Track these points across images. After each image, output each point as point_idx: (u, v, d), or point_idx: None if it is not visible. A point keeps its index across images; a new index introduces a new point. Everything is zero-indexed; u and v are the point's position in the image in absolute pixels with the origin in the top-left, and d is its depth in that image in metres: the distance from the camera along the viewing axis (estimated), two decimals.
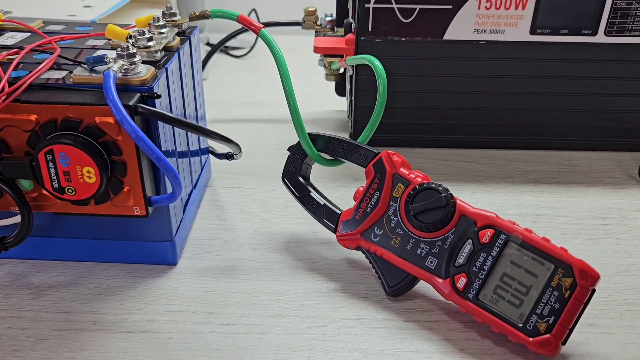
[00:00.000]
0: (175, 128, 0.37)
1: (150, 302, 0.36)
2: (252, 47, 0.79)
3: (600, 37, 0.49)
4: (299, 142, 0.40)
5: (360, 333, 0.34)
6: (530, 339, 0.31)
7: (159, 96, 0.33)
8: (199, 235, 0.42)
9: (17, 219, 0.35)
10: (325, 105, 0.63)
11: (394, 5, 0.48)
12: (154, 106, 0.33)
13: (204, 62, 0.62)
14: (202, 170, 0.47)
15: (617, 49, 0.49)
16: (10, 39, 0.40)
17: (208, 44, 0.78)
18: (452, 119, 0.53)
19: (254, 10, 0.81)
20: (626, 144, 0.54)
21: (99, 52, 0.37)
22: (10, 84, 0.31)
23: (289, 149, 0.41)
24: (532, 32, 0.49)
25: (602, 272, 0.37)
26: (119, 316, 0.35)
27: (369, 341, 0.33)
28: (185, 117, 0.41)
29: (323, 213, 0.39)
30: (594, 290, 0.31)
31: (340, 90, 0.60)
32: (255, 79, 0.71)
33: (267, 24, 0.61)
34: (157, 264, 0.39)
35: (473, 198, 0.47)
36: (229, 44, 0.82)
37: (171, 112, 0.37)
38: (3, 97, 0.30)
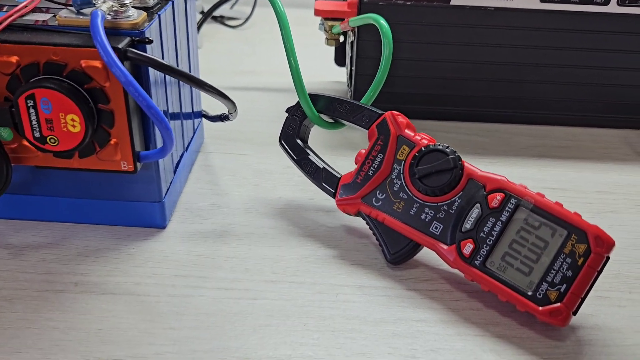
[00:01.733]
0: (167, 85, 0.35)
1: (137, 265, 0.34)
2: (247, 18, 0.76)
3: (613, 7, 0.47)
4: (298, 102, 0.38)
5: (359, 300, 0.32)
6: (540, 307, 0.30)
7: (150, 41, 0.30)
8: (190, 199, 0.40)
9: None
10: (325, 77, 0.61)
11: None
12: (145, 52, 0.30)
13: (199, 26, 0.59)
14: (194, 133, 0.44)
15: (630, 20, 0.48)
16: None
17: (202, 12, 0.76)
18: (455, 89, 0.51)
19: None
20: (633, 121, 0.52)
21: None
22: None
23: (287, 110, 0.39)
24: None
25: None
26: (102, 278, 0.33)
27: (368, 309, 0.32)
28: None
29: (322, 176, 0.37)
30: (608, 258, 0.29)
31: (340, 60, 0.58)
32: (251, 49, 0.69)
33: None
34: (145, 227, 0.37)
35: None
36: (225, 14, 0.80)
37: (163, 59, 0.34)
38: None
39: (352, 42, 0.51)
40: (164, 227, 0.37)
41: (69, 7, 0.32)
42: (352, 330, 0.30)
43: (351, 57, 0.52)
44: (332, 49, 0.56)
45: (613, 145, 0.50)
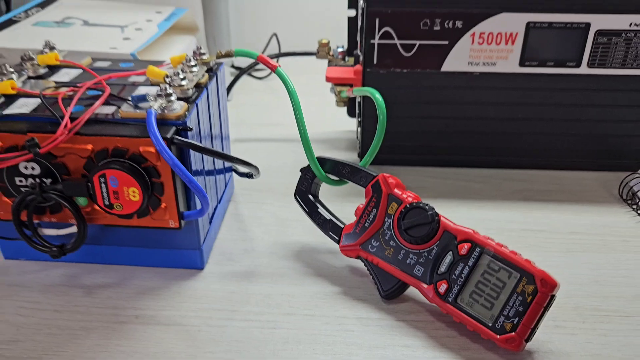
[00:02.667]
0: None
1: (182, 301, 0.43)
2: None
3: (584, 69, 0.54)
4: (309, 164, 0.46)
5: (357, 330, 0.40)
6: (498, 336, 0.37)
7: (190, 129, 0.39)
8: (223, 244, 0.49)
9: (73, 229, 0.42)
10: (338, 125, 0.70)
11: (396, 41, 0.54)
12: (187, 137, 0.39)
13: (230, 86, 0.69)
14: (226, 186, 0.53)
15: (599, 79, 0.55)
16: (65, 75, 0.47)
17: (233, 66, 0.85)
18: (450, 141, 0.59)
19: (275, 34, 0.88)
20: (610, 165, 0.59)
21: (140, 90, 0.44)
22: (72, 119, 0.38)
23: (300, 170, 0.47)
24: (521, 64, 0.54)
25: (574, 282, 0.43)
26: (156, 312, 0.42)
27: (364, 337, 0.39)
28: (211, 140, 0.47)
29: (329, 227, 0.46)
30: (553, 296, 0.37)
31: (351, 112, 0.67)
32: (275, 101, 0.77)
33: (286, 54, 0.68)
34: (188, 269, 0.46)
35: (468, 214, 0.52)
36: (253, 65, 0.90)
37: (200, 138, 0.43)
38: (66, 131, 0.37)
39: (359, 102, 0.59)
40: (202, 269, 0.46)
41: (127, 102, 0.41)
42: (350, 354, 0.38)
43: (359, 114, 0.60)
44: None
45: (592, 188, 0.57)
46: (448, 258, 0.39)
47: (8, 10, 0.88)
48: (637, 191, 0.54)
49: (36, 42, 0.62)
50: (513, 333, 0.37)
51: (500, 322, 0.37)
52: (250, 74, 0.86)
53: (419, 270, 0.40)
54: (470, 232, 0.39)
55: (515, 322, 0.37)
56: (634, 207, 0.54)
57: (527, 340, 0.37)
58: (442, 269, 0.39)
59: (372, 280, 0.43)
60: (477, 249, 0.39)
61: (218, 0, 0.78)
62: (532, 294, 0.36)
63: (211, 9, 0.78)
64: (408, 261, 0.41)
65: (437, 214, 0.40)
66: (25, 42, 0.62)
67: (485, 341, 0.39)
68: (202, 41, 0.83)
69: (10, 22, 0.68)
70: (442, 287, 0.39)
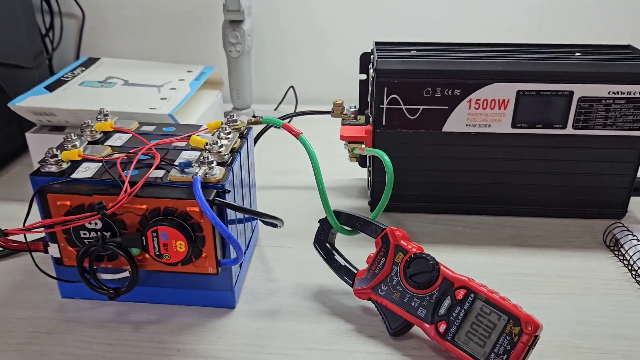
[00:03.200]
0: None
1: (217, 336, 0.49)
2: (291, 118, 0.94)
3: (569, 130, 0.61)
4: (326, 216, 0.53)
5: None
6: None
7: (228, 191, 0.47)
8: (251, 285, 0.56)
9: (125, 274, 0.49)
10: (350, 174, 0.77)
11: (402, 106, 0.61)
12: (225, 198, 0.47)
13: (256, 140, 0.76)
14: (252, 233, 0.60)
15: (583, 138, 0.62)
16: (118, 140, 0.55)
17: (254, 116, 0.93)
18: (450, 191, 0.66)
19: (292, 87, 0.96)
20: (596, 213, 0.66)
21: (184, 154, 0.51)
22: (130, 183, 0.46)
23: (319, 222, 0.54)
24: (513, 126, 0.62)
25: (558, 322, 0.50)
26: (195, 345, 0.48)
27: None
28: (242, 192, 0.55)
29: (343, 272, 0.52)
30: (537, 337, 0.43)
31: (362, 163, 0.74)
32: (293, 148, 0.84)
33: (304, 113, 0.76)
34: (221, 307, 0.52)
35: (464, 258, 0.59)
36: (271, 113, 0.98)
37: (235, 199, 0.51)
38: (127, 195, 0.45)
39: (369, 157, 0.67)
40: (234, 308, 0.53)
41: (175, 167, 0.49)
42: None
43: (369, 166, 0.68)
44: None
45: (579, 235, 0.64)
46: (447, 302, 0.46)
47: (50, 68, 0.97)
48: (620, 239, 0.61)
49: (84, 102, 0.70)
50: None
51: (491, 359, 0.43)
52: None
53: (422, 312, 0.47)
54: (466, 279, 0.46)
55: (504, 359, 0.43)
56: (616, 253, 0.60)
57: None
58: (442, 311, 0.46)
59: (381, 320, 0.50)
60: (472, 295, 0.45)
61: (242, 60, 0.86)
62: (519, 334, 0.43)
63: (235, 67, 0.86)
64: (412, 304, 0.48)
65: (437, 263, 0.47)
66: (75, 103, 0.70)
67: None
68: (226, 94, 0.91)
69: (59, 83, 0.76)
70: (442, 327, 0.46)
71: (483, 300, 0.45)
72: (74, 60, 1.03)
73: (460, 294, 0.46)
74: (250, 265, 0.59)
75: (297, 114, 0.74)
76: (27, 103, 0.69)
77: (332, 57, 1.00)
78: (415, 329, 0.49)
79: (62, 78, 0.78)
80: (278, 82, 1.01)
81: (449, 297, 0.46)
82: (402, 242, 0.49)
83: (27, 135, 0.71)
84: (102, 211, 0.44)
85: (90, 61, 0.85)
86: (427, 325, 0.47)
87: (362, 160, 0.74)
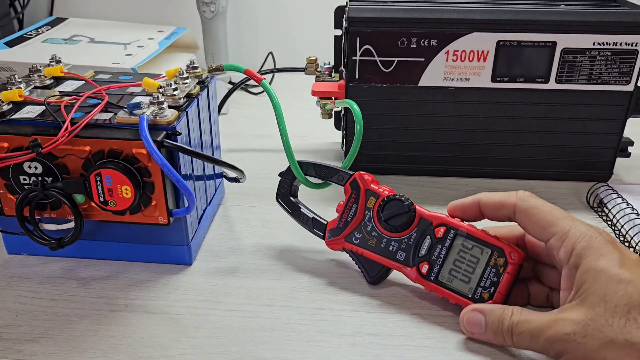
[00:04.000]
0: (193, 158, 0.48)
1: (169, 292, 0.46)
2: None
3: (552, 84, 0.58)
4: (288, 167, 0.50)
5: (330, 319, 0.43)
6: None
7: (179, 133, 0.43)
8: (211, 243, 0.53)
9: (70, 225, 0.46)
10: (326, 138, 0.73)
11: (376, 58, 0.58)
12: (176, 141, 0.43)
13: (224, 100, 0.73)
14: (216, 190, 0.57)
15: (567, 94, 0.58)
16: (69, 86, 0.51)
17: (230, 82, 0.90)
18: (427, 151, 0.63)
19: (271, 53, 0.92)
20: (581, 175, 0.62)
21: (136, 99, 0.48)
22: (72, 123, 0.42)
23: (279, 174, 0.51)
24: (493, 80, 0.58)
25: None
26: (144, 302, 0.45)
27: (336, 325, 0.43)
28: (201, 148, 0.51)
29: (312, 224, 0.49)
30: (521, 266, 0.41)
31: (338, 125, 0.70)
32: (269, 114, 0.80)
33: (276, 70, 0.72)
34: (176, 264, 0.49)
35: None
36: (250, 82, 0.95)
37: (190, 144, 0.47)
38: (67, 134, 0.42)
39: (343, 115, 0.63)
40: (190, 264, 0.49)
41: (123, 109, 0.45)
42: (321, 341, 0.41)
43: (343, 126, 0.64)
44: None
45: (562, 196, 0.60)
46: (427, 242, 0.43)
47: (21, 29, 0.93)
48: (603, 198, 0.58)
49: (44, 57, 0.66)
50: (490, 301, 0.41)
51: (478, 293, 0.41)
52: (247, 90, 0.91)
53: (401, 255, 0.44)
54: (444, 216, 0.44)
55: (491, 292, 0.41)
56: (600, 214, 0.57)
57: None
58: (423, 251, 0.43)
59: (358, 269, 0.47)
60: (452, 231, 0.43)
61: (216, 21, 0.82)
62: (504, 265, 0.41)
63: (209, 28, 0.83)
64: (390, 248, 0.45)
65: (412, 204, 0.44)
66: (34, 58, 0.66)
67: None
68: (201, 59, 0.88)
69: (21, 39, 0.73)
70: (424, 268, 0.43)
71: (464, 236, 0.42)
72: None
73: (440, 231, 0.43)
74: (213, 223, 0.56)
75: (268, 71, 0.71)
76: None
77: (312, 18, 0.97)
78: (393, 275, 0.46)
79: (25, 35, 0.74)
80: (255, 48, 0.98)
81: (428, 236, 0.43)
82: (372, 185, 0.46)
83: None
84: (37, 149, 0.40)
85: (58, 20, 0.82)
86: (408, 269, 0.44)
87: (337, 122, 0.70)
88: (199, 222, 0.51)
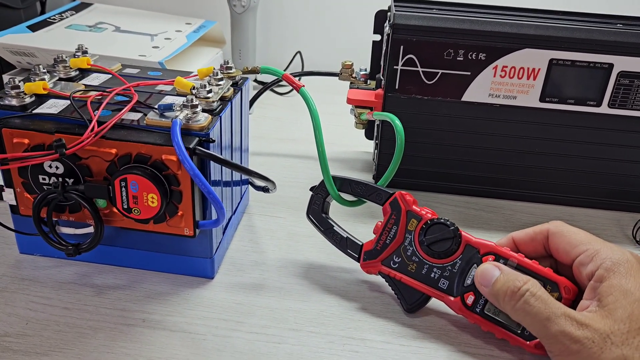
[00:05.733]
0: None
1: (190, 308, 0.43)
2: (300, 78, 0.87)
3: (604, 109, 0.54)
4: (321, 182, 0.47)
5: (361, 351, 0.40)
6: (528, 342, 0.38)
7: (213, 141, 0.40)
8: (234, 255, 0.49)
9: (89, 229, 0.43)
10: (355, 146, 0.70)
11: (419, 69, 0.55)
12: (209, 149, 0.40)
13: (252, 101, 0.70)
14: (241, 198, 0.54)
15: (619, 120, 0.55)
16: (95, 79, 0.48)
17: (256, 80, 0.87)
18: (465, 169, 0.59)
19: (299, 52, 0.89)
20: (625, 205, 0.59)
21: (167, 99, 0.45)
22: (99, 123, 0.39)
23: (311, 189, 0.48)
24: (542, 99, 0.55)
25: None
26: (163, 317, 0.42)
27: (366, 358, 0.40)
28: (232, 152, 0.48)
29: (347, 245, 0.46)
30: (575, 301, 0.38)
31: (369, 134, 0.67)
32: (295, 117, 0.78)
33: (309, 73, 0.69)
34: (198, 277, 0.46)
35: None
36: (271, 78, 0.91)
37: (221, 150, 0.44)
38: (93, 134, 0.39)
39: (378, 125, 0.60)
40: (212, 278, 0.46)
41: (154, 110, 0.42)
42: None
43: (377, 136, 0.61)
44: None
45: (604, 227, 0.57)
46: (473, 270, 0.40)
47: (43, 12, 0.90)
48: None
49: (68, 44, 0.64)
50: None
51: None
52: (272, 90, 0.87)
53: (444, 283, 0.41)
54: (493, 244, 0.41)
55: None
56: None
57: None
58: (469, 281, 0.41)
59: (394, 295, 0.44)
60: (501, 261, 0.40)
61: (246, 16, 0.79)
62: (557, 300, 0.37)
63: (239, 23, 0.79)
64: (432, 275, 0.42)
65: (458, 229, 0.41)
66: (58, 44, 0.63)
67: (512, 348, 0.40)
68: (227, 54, 0.84)
69: (45, 24, 0.70)
70: (470, 299, 0.40)
71: (514, 266, 0.39)
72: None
73: (489, 260, 0.40)
74: (237, 233, 0.53)
75: (301, 73, 0.68)
76: (5, 40, 0.63)
77: (346, 19, 0.93)
78: (431, 304, 0.44)
79: (48, 19, 0.71)
80: (284, 46, 0.94)
81: (475, 265, 0.40)
82: (414, 207, 0.43)
83: (4, 77, 0.64)
84: (61, 150, 0.37)
85: (83, 5, 0.79)
86: (452, 298, 0.41)
87: (368, 132, 0.67)
88: (223, 233, 0.48)
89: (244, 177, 0.54)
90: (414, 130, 0.57)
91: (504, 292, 0.38)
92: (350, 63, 0.62)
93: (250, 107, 0.70)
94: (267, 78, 0.86)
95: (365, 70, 0.63)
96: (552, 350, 0.36)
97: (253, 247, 0.51)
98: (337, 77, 0.63)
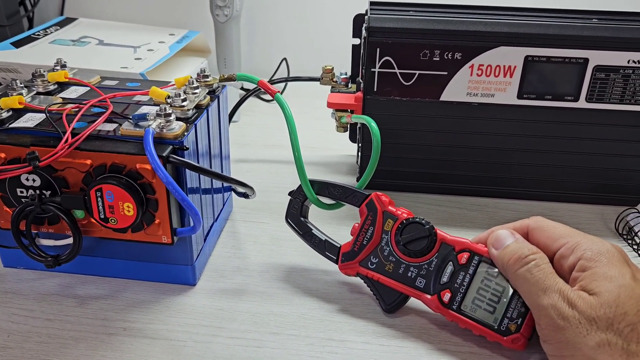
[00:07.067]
0: None
1: (171, 315, 0.43)
2: (282, 92, 0.87)
3: (582, 103, 0.55)
4: (299, 186, 0.47)
5: (341, 352, 0.40)
6: (504, 337, 0.38)
7: (187, 149, 0.41)
8: (217, 261, 0.50)
9: (69, 240, 0.43)
10: (340, 150, 0.71)
11: (397, 70, 0.55)
12: (183, 157, 0.41)
13: (235, 108, 0.70)
14: (224, 205, 0.54)
15: (597, 113, 0.55)
16: (73, 92, 0.49)
17: (242, 88, 0.87)
18: (447, 169, 0.59)
19: (285, 59, 0.90)
20: (608, 198, 0.59)
21: (143, 109, 0.45)
22: (73, 134, 0.40)
23: (289, 194, 0.48)
24: (519, 96, 0.55)
25: None
26: (144, 325, 0.42)
27: (347, 359, 0.40)
28: (210, 160, 0.49)
29: (325, 247, 0.46)
30: None
31: (353, 137, 0.68)
32: (281, 123, 0.77)
33: (291, 79, 0.70)
34: (179, 284, 0.46)
35: None
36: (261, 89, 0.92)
37: (197, 159, 0.45)
38: (67, 146, 0.39)
39: (359, 128, 0.60)
40: (194, 285, 0.47)
41: (129, 120, 0.42)
42: None
43: (358, 139, 0.61)
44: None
45: (588, 221, 0.57)
46: (449, 268, 0.41)
47: (31, 27, 0.91)
48: (634, 226, 0.54)
49: (51, 59, 0.64)
50: (518, 333, 0.38)
51: (504, 324, 0.39)
52: (258, 97, 0.88)
53: (420, 282, 0.42)
54: (467, 241, 0.41)
55: (518, 323, 0.38)
56: (630, 242, 0.54)
57: (529, 339, 0.38)
58: (445, 279, 0.41)
59: (372, 296, 0.44)
60: (476, 257, 0.40)
61: (229, 25, 0.80)
62: None
63: (222, 32, 0.80)
64: (409, 274, 0.42)
65: (433, 227, 0.42)
66: (40, 59, 0.64)
67: (490, 344, 0.40)
68: (213, 63, 0.85)
69: (29, 40, 0.71)
70: (446, 297, 0.40)
71: (489, 263, 0.40)
72: None
73: (463, 257, 0.41)
74: (220, 240, 0.53)
75: (281, 80, 0.68)
76: None
77: (329, 25, 0.94)
78: (410, 303, 0.44)
79: (32, 35, 0.72)
80: (270, 54, 0.95)
81: (450, 262, 0.41)
82: (390, 207, 0.43)
83: None
84: (34, 162, 0.38)
85: (67, 21, 0.79)
86: (429, 297, 0.41)
87: (352, 135, 0.67)
88: (204, 240, 0.48)
89: (225, 184, 0.54)
90: (394, 132, 0.57)
91: (509, 256, 0.38)
92: (330, 67, 0.63)
93: (234, 115, 0.70)
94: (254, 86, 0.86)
95: (346, 74, 0.63)
96: (540, 322, 0.36)
97: (236, 252, 0.51)
98: (319, 82, 0.64)
